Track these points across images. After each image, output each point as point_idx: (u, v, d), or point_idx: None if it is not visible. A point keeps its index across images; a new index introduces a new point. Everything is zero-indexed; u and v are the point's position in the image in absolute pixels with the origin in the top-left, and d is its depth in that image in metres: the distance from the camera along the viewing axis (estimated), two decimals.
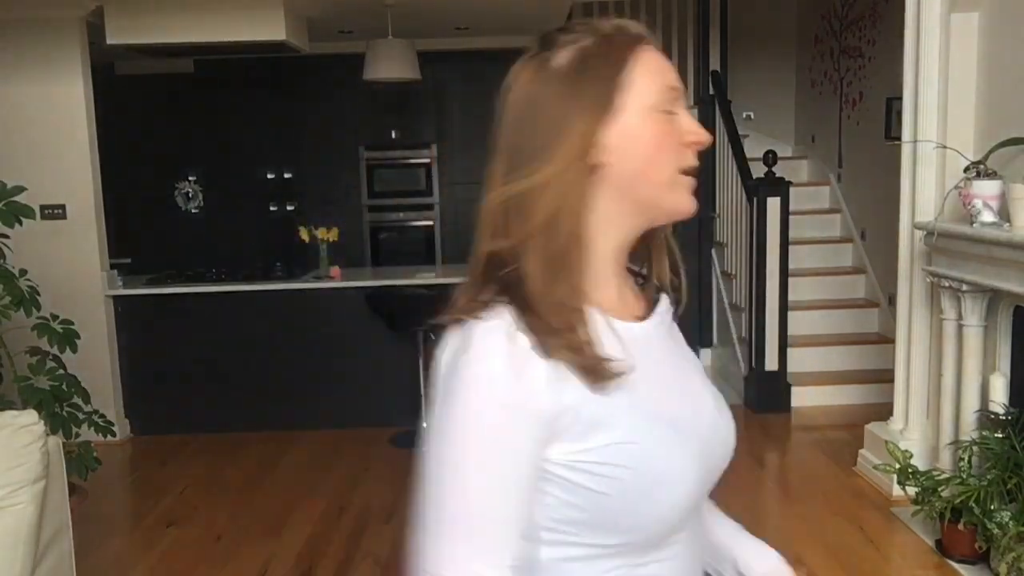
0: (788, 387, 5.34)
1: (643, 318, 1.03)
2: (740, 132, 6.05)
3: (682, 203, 0.98)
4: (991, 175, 3.32)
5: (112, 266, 5.23)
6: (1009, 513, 3.03)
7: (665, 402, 0.98)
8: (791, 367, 5.36)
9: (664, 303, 1.07)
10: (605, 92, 0.92)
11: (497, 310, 0.91)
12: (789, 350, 5.34)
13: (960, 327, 3.55)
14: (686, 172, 0.97)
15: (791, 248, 5.34)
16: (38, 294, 3.77)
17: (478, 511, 0.90)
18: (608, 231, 0.97)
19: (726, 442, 1.05)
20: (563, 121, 0.92)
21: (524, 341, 0.89)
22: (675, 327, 1.10)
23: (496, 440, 0.89)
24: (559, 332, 0.90)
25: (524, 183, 0.91)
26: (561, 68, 0.93)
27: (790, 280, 5.35)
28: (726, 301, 6.21)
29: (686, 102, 1.13)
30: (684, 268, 1.09)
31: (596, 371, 0.91)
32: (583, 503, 0.92)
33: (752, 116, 7.13)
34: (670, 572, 1.00)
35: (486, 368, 0.89)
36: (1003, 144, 3.33)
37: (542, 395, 0.89)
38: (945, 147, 3.66)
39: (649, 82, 0.94)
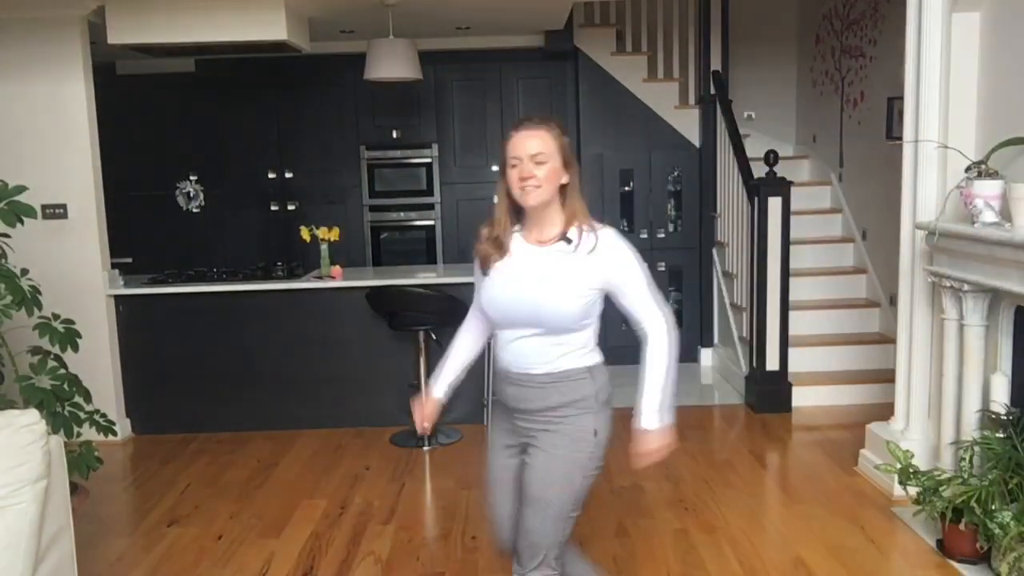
0: (789, 387, 5.34)
1: (542, 244, 2.20)
2: (741, 132, 6.04)
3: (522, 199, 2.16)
4: (992, 175, 3.32)
5: (113, 265, 5.23)
6: (1010, 513, 3.02)
7: (496, 279, 2.22)
8: (792, 367, 5.36)
9: (562, 244, 2.17)
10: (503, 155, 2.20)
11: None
12: (790, 350, 5.33)
13: (961, 327, 3.55)
14: (523, 185, 2.13)
15: (792, 248, 5.33)
16: (39, 293, 3.77)
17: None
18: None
19: (524, 307, 2.15)
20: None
21: None
22: (565, 256, 2.15)
23: None
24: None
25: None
26: None
27: (791, 280, 5.34)
28: (727, 301, 6.21)
29: (529, 159, 2.14)
30: (584, 226, 2.17)
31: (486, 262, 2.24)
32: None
33: (753, 116, 7.13)
34: (511, 353, 2.21)
35: None
36: (1004, 144, 3.33)
37: None
38: (946, 147, 3.66)
39: (505, 151, 2.18)
